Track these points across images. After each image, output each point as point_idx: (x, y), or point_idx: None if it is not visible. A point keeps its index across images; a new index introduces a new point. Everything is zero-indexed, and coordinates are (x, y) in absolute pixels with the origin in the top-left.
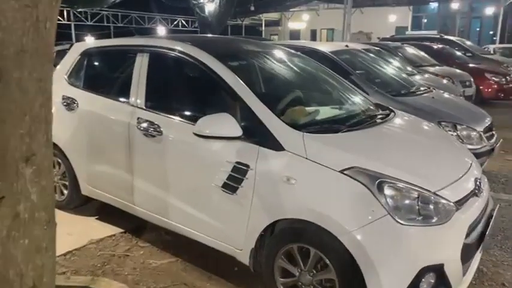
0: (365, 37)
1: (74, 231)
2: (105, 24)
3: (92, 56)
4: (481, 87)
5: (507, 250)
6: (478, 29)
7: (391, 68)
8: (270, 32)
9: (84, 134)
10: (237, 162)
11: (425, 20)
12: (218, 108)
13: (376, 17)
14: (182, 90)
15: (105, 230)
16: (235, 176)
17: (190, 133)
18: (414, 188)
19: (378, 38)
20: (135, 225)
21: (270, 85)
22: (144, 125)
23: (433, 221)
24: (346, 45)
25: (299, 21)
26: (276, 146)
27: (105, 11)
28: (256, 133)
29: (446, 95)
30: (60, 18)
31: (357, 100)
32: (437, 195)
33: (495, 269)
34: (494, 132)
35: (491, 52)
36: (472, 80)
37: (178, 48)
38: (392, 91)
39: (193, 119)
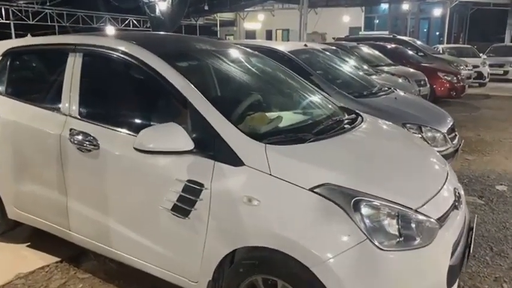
0: (319, 37)
1: None
2: (49, 23)
3: (16, 57)
4: (434, 86)
5: (480, 260)
6: (425, 30)
7: (351, 68)
8: (225, 32)
9: (7, 148)
10: (189, 181)
11: (377, 21)
12: (165, 117)
13: (330, 18)
14: (122, 96)
15: (37, 260)
16: (187, 197)
17: (130, 144)
18: (394, 206)
19: (333, 38)
20: (73, 253)
21: (225, 89)
22: (78, 137)
23: (416, 243)
24: (305, 45)
25: (254, 22)
26: (234, 160)
27: (49, 9)
28: (210, 146)
29: (408, 95)
30: None
31: (321, 103)
32: (418, 212)
33: (472, 282)
34: (456, 133)
35: (440, 52)
36: (426, 79)
37: (116, 47)
38: (354, 92)
39: (135, 130)
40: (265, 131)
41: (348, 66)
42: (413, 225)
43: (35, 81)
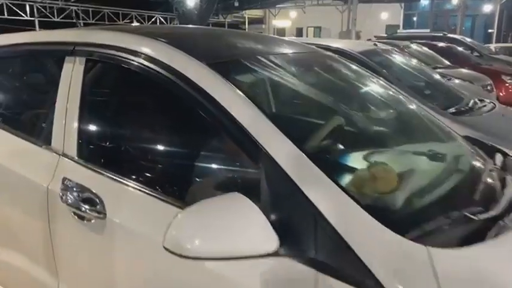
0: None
1: None
2: (74, 20)
3: None
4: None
5: None
6: (463, 28)
7: (430, 73)
8: (253, 30)
9: None
10: None
11: (416, 18)
12: (217, 178)
13: (365, 15)
14: (146, 130)
15: None
16: None
17: (161, 222)
18: None
19: (375, 36)
20: None
21: (318, 124)
22: (74, 194)
23: None
24: (375, 44)
25: (284, 19)
26: (363, 277)
27: (74, 5)
28: (308, 240)
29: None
30: (22, 14)
31: (443, 134)
32: None
33: None
34: None
35: (493, 51)
36: (492, 83)
37: (142, 49)
38: (448, 107)
39: (167, 189)
40: (404, 207)
41: (426, 72)
42: None
43: (11, 98)
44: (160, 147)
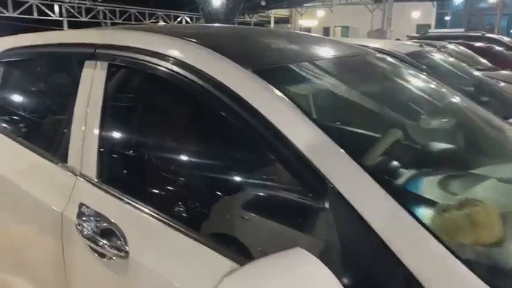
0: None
1: None
2: (102, 20)
3: None
4: None
5: None
6: (490, 27)
7: (483, 77)
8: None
9: None
10: None
11: (449, 17)
12: (269, 215)
13: (396, 14)
14: (181, 149)
15: None
16: None
17: (199, 271)
18: None
19: (407, 36)
20: None
21: (389, 144)
22: (91, 224)
23: None
24: (421, 45)
25: (310, 18)
26: None
27: (102, 5)
28: None
29: None
30: (50, 14)
31: None
32: None
33: None
34: None
35: None
36: None
37: (173, 52)
38: (507, 116)
39: (206, 229)
40: None
41: (476, 75)
42: None
43: (26, 108)
44: (200, 172)
